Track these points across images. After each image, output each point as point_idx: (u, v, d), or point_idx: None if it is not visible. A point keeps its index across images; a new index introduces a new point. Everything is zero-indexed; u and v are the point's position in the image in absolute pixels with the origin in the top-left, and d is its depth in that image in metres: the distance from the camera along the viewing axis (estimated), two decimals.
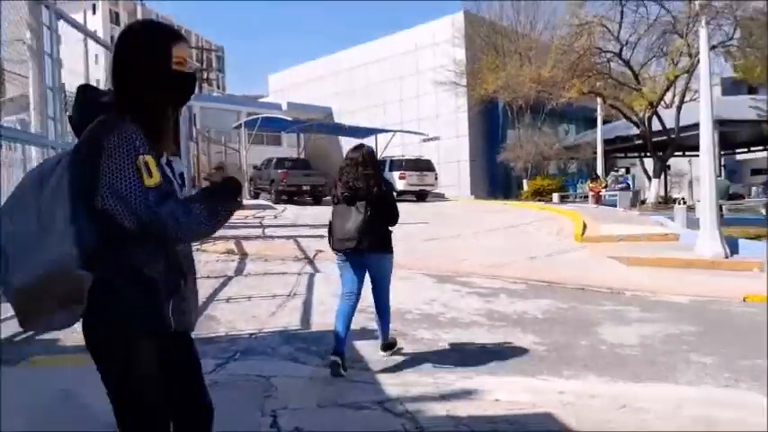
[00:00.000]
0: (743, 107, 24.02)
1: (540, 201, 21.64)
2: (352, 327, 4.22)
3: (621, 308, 6.49)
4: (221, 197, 1.49)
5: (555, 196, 22.34)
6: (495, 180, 29.50)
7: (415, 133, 27.85)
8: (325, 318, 5.08)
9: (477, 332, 5.10)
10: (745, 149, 30.81)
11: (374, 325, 4.42)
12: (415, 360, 4.21)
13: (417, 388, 3.42)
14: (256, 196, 21.71)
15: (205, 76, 60.14)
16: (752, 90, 28.84)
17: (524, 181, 26.18)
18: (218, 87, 71.85)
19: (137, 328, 1.45)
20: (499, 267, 8.91)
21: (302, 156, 26.24)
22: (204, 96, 32.73)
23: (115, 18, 67.36)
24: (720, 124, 21.23)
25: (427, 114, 30.69)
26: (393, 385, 3.45)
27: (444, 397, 3.22)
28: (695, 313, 6.32)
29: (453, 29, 28.50)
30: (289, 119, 24.49)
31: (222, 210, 1.47)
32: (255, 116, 24.10)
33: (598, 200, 19.79)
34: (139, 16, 21.93)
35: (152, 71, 1.49)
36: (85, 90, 1.55)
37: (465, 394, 3.29)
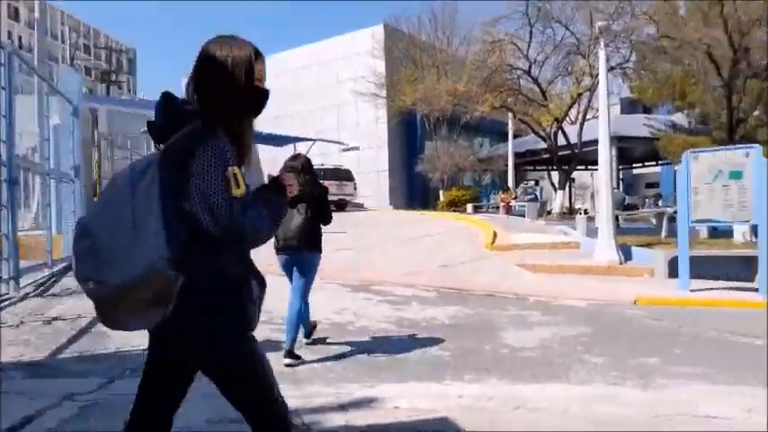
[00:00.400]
0: (638, 125, 26.06)
1: (455, 211, 22.26)
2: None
3: (525, 312, 6.75)
4: (276, 200, 1.61)
5: (469, 206, 23.08)
6: (414, 190, 30.05)
7: (335, 142, 27.83)
8: None
9: (385, 340, 5.10)
10: (641, 164, 33.39)
11: (277, 336, 4.30)
12: (319, 370, 4.12)
13: (318, 399, 3.34)
14: None
15: (113, 78, 57.03)
16: (647, 109, 31.39)
17: (441, 191, 26.85)
18: (129, 90, 68.39)
19: (227, 329, 1.53)
20: (413, 275, 9.02)
21: None
22: (111, 99, 30.98)
23: (14, 14, 62.49)
24: (618, 140, 22.97)
25: (347, 124, 30.82)
26: (293, 397, 3.34)
27: (344, 407, 3.16)
28: (591, 316, 6.68)
29: (373, 41, 28.87)
30: None
31: (280, 213, 1.61)
32: None
33: (508, 210, 20.64)
34: (37, 13, 20.40)
35: (239, 86, 1.57)
36: (169, 98, 1.61)
37: (366, 403, 3.25)
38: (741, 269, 9.56)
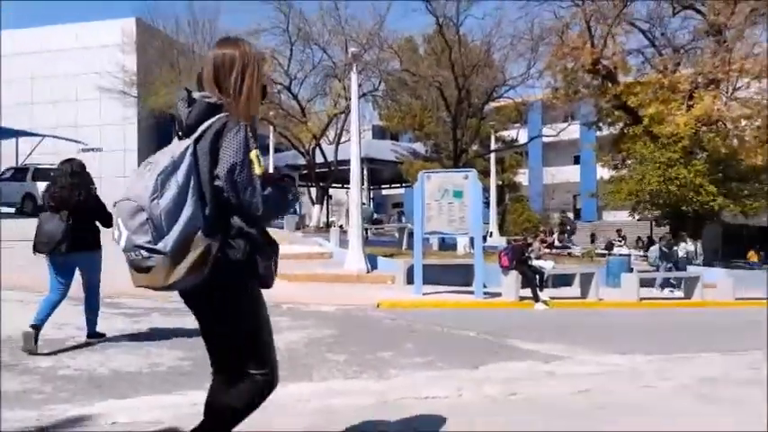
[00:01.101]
0: (387, 150, 28.80)
1: None
2: None
3: (276, 319, 6.61)
4: (286, 189, 1.89)
5: None
6: None
7: (71, 141, 24.28)
8: None
9: (114, 355, 4.51)
10: (389, 186, 36.88)
11: None
12: (22, 393, 3.42)
13: (14, 424, 2.75)
14: None
15: None
16: (394, 137, 34.92)
17: None
18: None
19: (248, 278, 1.83)
20: None
21: None
22: None
23: None
24: (369, 162, 24.97)
25: (88, 121, 27.24)
26: None
27: (45, 430, 2.66)
28: (339, 319, 7.02)
29: (123, 34, 26.22)
30: None
31: (289, 201, 1.93)
32: None
33: None
34: None
35: (254, 83, 1.89)
36: (190, 94, 1.89)
37: (76, 422, 2.78)
38: (462, 276, 11.21)
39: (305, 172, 25.67)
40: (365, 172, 20.70)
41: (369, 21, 19.99)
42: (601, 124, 23.93)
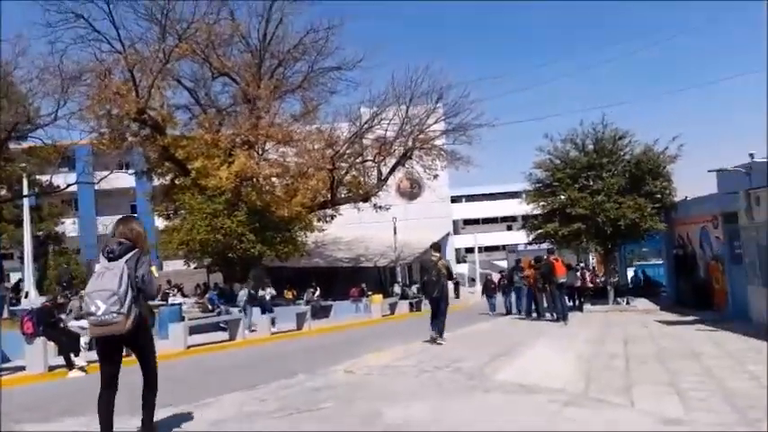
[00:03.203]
0: None
1: None
2: None
3: None
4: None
5: None
6: None
7: None
8: None
9: None
10: None
11: None
12: None
13: None
14: None
15: None
16: None
17: None
18: None
19: (149, 329, 4.22)
20: None
21: None
22: None
23: None
24: None
25: None
26: None
27: None
28: None
29: None
30: None
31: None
32: None
33: None
34: None
35: (146, 239, 4.29)
36: (120, 241, 3.96)
37: None
38: None
39: None
40: None
41: None
42: (153, 174, 23.87)
